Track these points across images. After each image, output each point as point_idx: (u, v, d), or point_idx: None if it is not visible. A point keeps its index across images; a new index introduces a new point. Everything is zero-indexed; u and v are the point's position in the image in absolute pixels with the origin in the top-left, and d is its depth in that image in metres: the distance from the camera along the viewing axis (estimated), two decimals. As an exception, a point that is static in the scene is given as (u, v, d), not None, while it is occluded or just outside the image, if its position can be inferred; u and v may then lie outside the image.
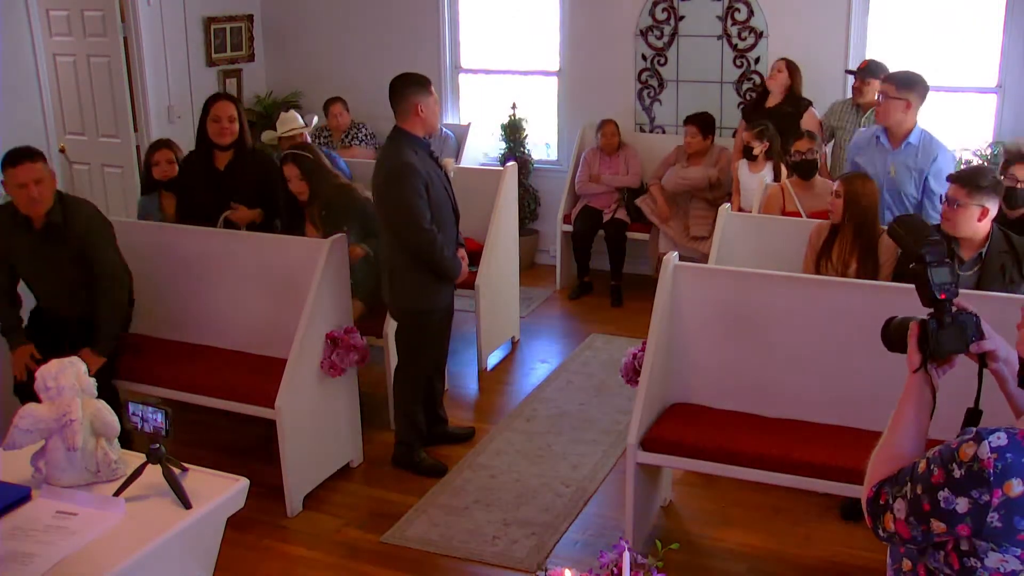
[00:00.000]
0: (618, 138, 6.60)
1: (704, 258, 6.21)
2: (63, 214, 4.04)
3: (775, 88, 5.90)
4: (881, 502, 1.74)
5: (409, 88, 4.06)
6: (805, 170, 4.93)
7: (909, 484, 1.69)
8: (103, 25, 6.71)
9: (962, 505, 1.60)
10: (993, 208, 3.72)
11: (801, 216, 4.80)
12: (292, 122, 5.63)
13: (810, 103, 5.83)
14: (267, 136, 5.92)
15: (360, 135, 6.85)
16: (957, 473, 1.61)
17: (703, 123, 6.22)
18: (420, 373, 4.39)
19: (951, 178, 3.79)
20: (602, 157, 6.65)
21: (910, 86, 4.32)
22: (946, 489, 1.61)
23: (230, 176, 4.70)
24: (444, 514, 4.04)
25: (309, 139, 5.56)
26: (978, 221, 3.70)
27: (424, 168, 4.02)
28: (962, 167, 4.15)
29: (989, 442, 1.58)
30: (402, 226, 4.03)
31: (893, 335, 1.95)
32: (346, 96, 6.99)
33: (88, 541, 2.22)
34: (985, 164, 3.89)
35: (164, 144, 5.05)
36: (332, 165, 5.01)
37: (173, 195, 4.92)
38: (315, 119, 6.15)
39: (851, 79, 5.92)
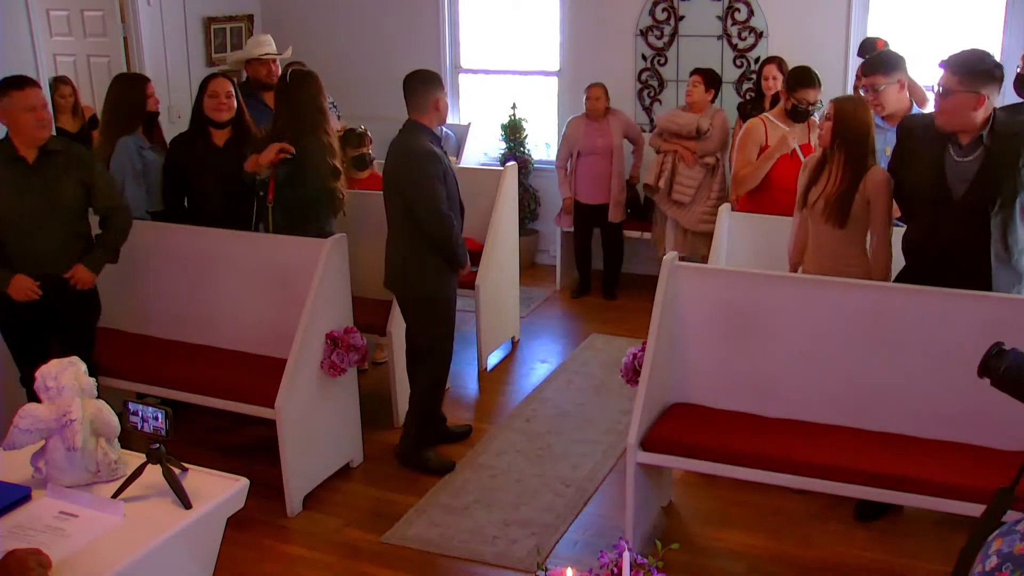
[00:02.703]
0: (604, 102, 6.41)
1: (699, 238, 6.22)
2: (60, 143, 3.95)
3: (773, 94, 5.76)
4: None
5: (431, 83, 4.16)
6: (802, 116, 4.68)
7: None
8: (103, 25, 6.71)
9: None
10: (992, 96, 3.36)
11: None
12: (267, 45, 5.42)
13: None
14: (234, 56, 5.68)
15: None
16: None
17: (708, 76, 6.13)
18: (443, 363, 4.42)
19: (943, 63, 3.41)
20: (588, 123, 6.44)
21: (896, 66, 4.19)
22: None
23: (230, 156, 4.60)
24: (444, 514, 4.04)
25: (280, 68, 5.38)
26: (973, 111, 3.35)
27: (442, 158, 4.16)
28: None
29: None
30: (423, 209, 4.08)
31: (1006, 375, 1.62)
32: (346, 96, 6.97)
33: (85, 543, 2.22)
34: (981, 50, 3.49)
35: (146, 78, 4.95)
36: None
37: (151, 128, 4.82)
38: (289, 49, 5.95)
39: (852, 79, 5.90)
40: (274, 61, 5.43)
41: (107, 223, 4.10)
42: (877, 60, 4.27)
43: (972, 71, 3.33)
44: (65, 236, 3.97)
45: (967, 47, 3.48)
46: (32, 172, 3.86)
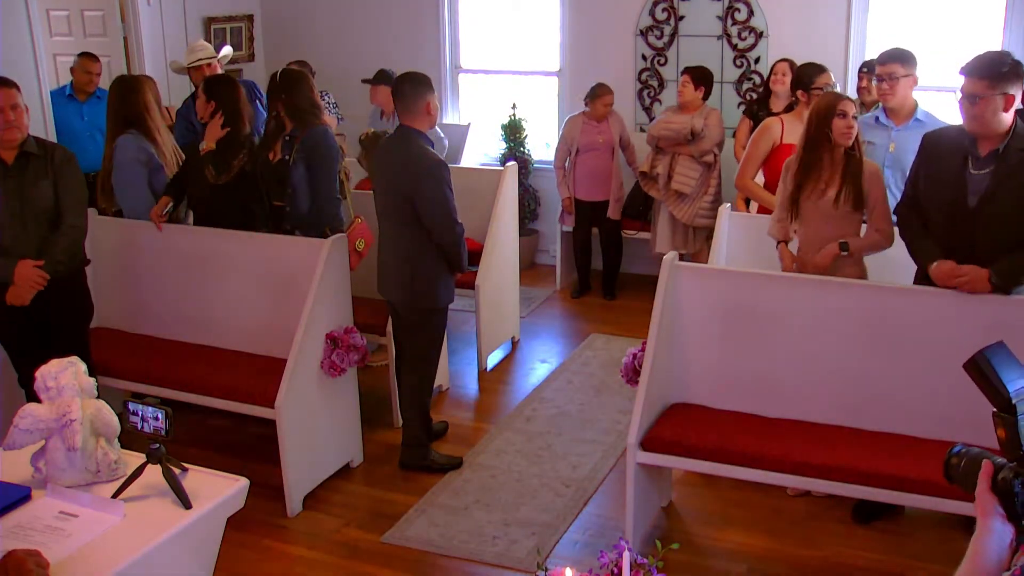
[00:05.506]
0: (612, 108, 6.45)
1: (693, 233, 6.23)
2: (39, 146, 3.88)
3: (782, 91, 5.73)
4: None
5: (422, 87, 4.12)
6: None
7: None
8: (103, 25, 6.72)
9: None
10: (1018, 94, 3.37)
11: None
12: (200, 51, 5.50)
13: None
14: (175, 66, 5.79)
15: (325, 103, 6.60)
16: None
17: (697, 74, 6.07)
18: (435, 363, 4.45)
19: (965, 70, 3.41)
20: (586, 122, 6.43)
21: (913, 61, 4.25)
22: None
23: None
24: (444, 514, 4.04)
25: (220, 70, 5.44)
26: (1005, 112, 3.37)
27: None
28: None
29: None
30: (441, 218, 4.07)
31: (961, 476, 1.56)
32: (346, 96, 6.99)
33: (85, 543, 2.22)
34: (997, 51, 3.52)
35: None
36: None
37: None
38: (228, 49, 6.00)
39: (852, 79, 5.90)
40: (209, 64, 5.47)
41: (58, 229, 3.92)
42: (896, 51, 4.31)
43: (997, 73, 3.33)
44: (45, 239, 3.89)
45: (981, 51, 3.47)
46: (8, 174, 3.82)
